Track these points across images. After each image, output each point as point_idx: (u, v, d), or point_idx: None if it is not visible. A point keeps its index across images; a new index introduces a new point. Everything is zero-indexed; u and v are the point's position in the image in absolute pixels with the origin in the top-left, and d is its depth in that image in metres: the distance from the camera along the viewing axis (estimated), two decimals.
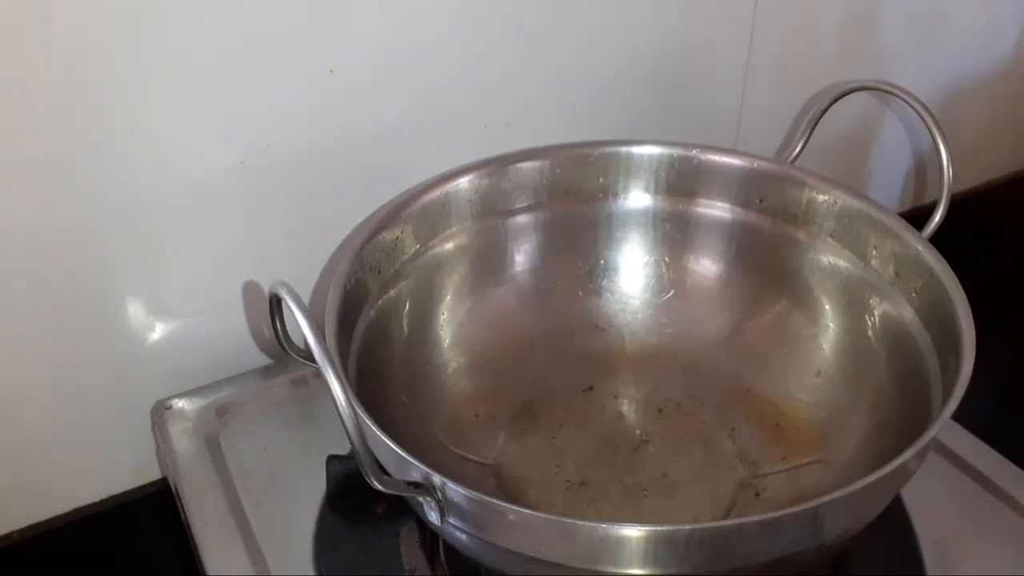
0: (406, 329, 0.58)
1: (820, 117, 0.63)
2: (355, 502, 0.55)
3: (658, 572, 0.40)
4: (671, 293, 0.64)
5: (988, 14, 0.83)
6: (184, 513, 0.56)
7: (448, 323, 0.60)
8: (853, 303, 0.58)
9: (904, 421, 0.51)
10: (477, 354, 0.60)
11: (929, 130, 0.56)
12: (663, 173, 0.62)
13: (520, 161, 0.61)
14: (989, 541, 0.54)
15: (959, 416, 0.46)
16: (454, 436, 0.56)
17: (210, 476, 0.58)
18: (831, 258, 0.59)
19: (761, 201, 0.61)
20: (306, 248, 0.63)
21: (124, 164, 0.55)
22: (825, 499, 0.40)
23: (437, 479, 0.41)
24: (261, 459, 0.59)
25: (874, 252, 0.57)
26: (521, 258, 0.63)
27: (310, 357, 0.41)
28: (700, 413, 0.59)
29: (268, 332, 0.63)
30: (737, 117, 0.75)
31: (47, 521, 0.63)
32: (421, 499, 0.42)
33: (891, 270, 0.55)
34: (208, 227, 0.60)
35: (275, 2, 0.54)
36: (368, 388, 0.50)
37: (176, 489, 0.58)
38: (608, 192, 0.63)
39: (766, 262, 0.61)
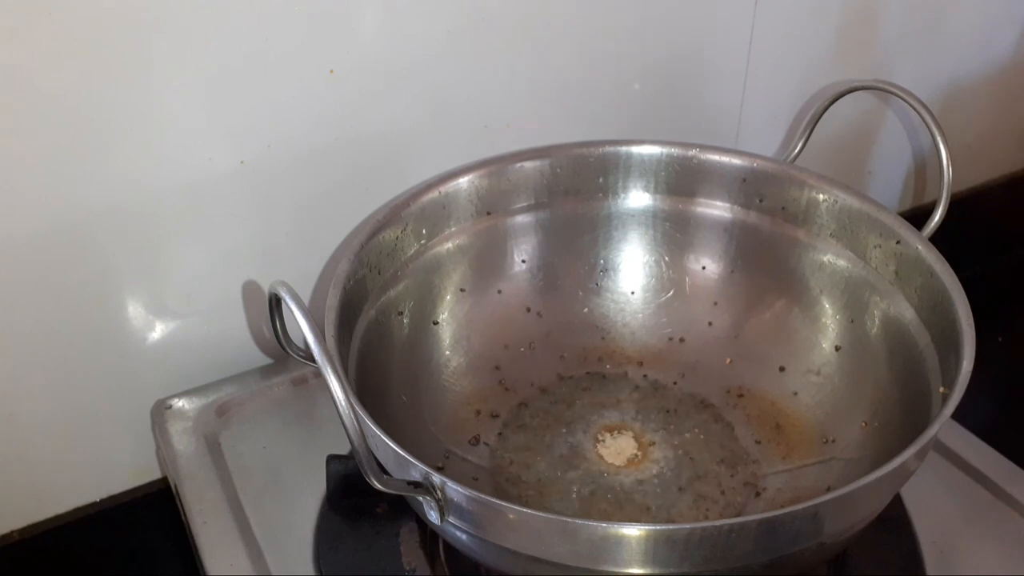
0: (406, 329, 0.58)
1: (820, 117, 0.63)
2: (355, 502, 0.55)
3: (658, 572, 0.40)
4: (671, 293, 0.64)
5: (988, 14, 0.83)
6: (184, 513, 0.56)
7: (448, 323, 0.60)
8: (853, 302, 0.58)
9: (904, 421, 0.51)
10: (477, 354, 0.60)
11: (929, 130, 0.56)
12: (663, 173, 0.62)
13: (520, 161, 0.61)
14: (989, 541, 0.54)
15: (959, 416, 0.46)
16: (454, 436, 0.56)
17: (210, 476, 0.58)
18: (831, 257, 0.59)
19: (761, 201, 0.61)
20: (306, 248, 0.63)
21: (124, 164, 0.55)
22: (825, 498, 0.40)
23: (437, 479, 0.41)
24: (261, 459, 0.59)
25: (874, 251, 0.57)
26: (521, 258, 0.63)
27: (310, 357, 0.41)
28: (700, 413, 0.59)
29: (268, 332, 0.63)
30: (737, 117, 0.75)
31: (47, 521, 0.64)
32: (421, 499, 0.42)
33: (891, 269, 0.55)
34: (208, 227, 0.60)
35: (276, 2, 0.54)
36: (368, 388, 0.50)
37: (176, 489, 0.58)
38: (608, 192, 0.63)
39: (766, 262, 0.62)
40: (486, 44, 0.62)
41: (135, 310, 0.60)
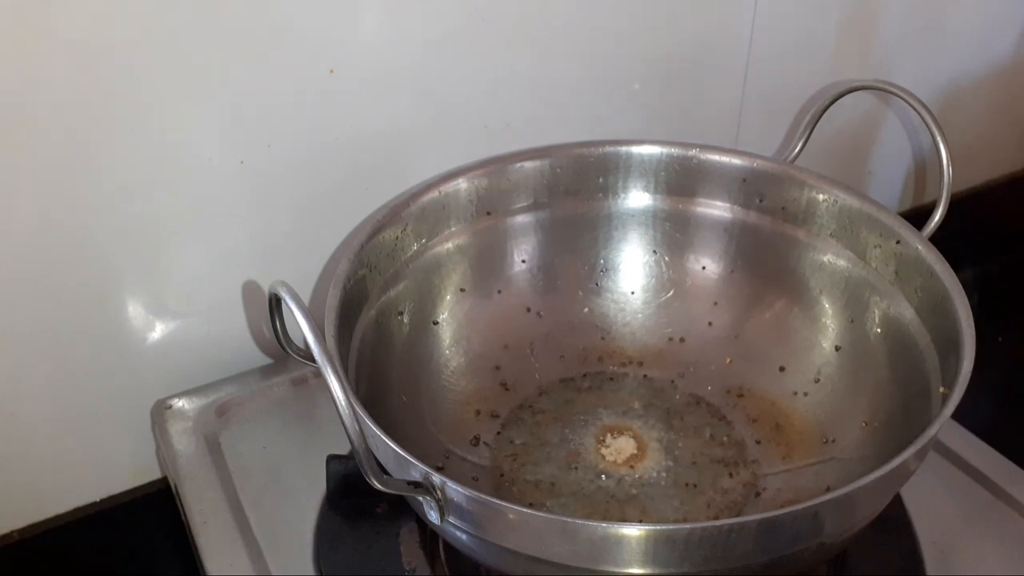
0: (406, 329, 0.58)
1: (820, 117, 0.63)
2: (355, 502, 0.55)
3: (658, 572, 0.40)
4: (671, 293, 0.64)
5: (988, 14, 0.83)
6: (184, 513, 0.56)
7: (448, 323, 0.60)
8: (853, 302, 0.58)
9: (904, 421, 0.51)
10: (477, 354, 0.60)
11: (929, 130, 0.56)
12: (663, 173, 0.62)
13: (520, 161, 0.61)
14: (989, 541, 0.54)
15: (959, 416, 0.46)
16: (454, 436, 0.56)
17: (210, 476, 0.58)
18: (831, 257, 0.59)
19: (761, 200, 0.61)
20: (306, 248, 0.63)
21: (125, 164, 0.55)
22: (825, 498, 0.40)
23: (437, 479, 0.41)
24: (261, 459, 0.59)
25: (874, 251, 0.57)
26: (521, 258, 0.63)
27: (310, 357, 0.41)
28: (700, 413, 0.59)
29: (268, 332, 0.63)
30: (737, 117, 0.75)
31: (47, 521, 0.64)
32: (421, 499, 0.42)
33: (891, 269, 0.55)
34: (208, 227, 0.60)
35: (276, 2, 0.54)
36: (368, 388, 0.50)
37: (176, 489, 0.58)
38: (608, 192, 0.63)
39: (766, 262, 0.62)
40: (486, 44, 0.62)
41: (135, 310, 0.60)
